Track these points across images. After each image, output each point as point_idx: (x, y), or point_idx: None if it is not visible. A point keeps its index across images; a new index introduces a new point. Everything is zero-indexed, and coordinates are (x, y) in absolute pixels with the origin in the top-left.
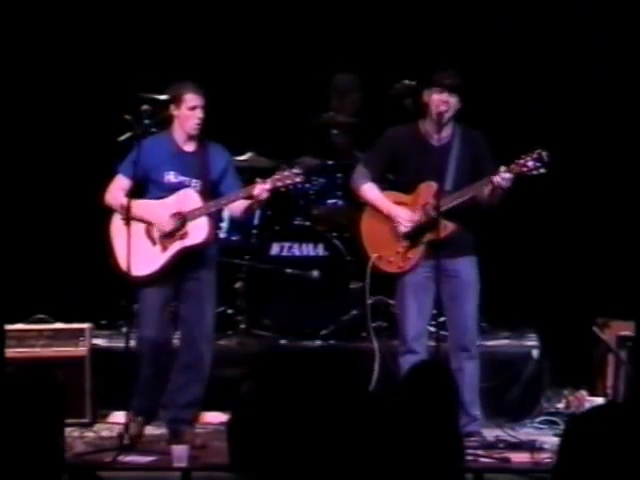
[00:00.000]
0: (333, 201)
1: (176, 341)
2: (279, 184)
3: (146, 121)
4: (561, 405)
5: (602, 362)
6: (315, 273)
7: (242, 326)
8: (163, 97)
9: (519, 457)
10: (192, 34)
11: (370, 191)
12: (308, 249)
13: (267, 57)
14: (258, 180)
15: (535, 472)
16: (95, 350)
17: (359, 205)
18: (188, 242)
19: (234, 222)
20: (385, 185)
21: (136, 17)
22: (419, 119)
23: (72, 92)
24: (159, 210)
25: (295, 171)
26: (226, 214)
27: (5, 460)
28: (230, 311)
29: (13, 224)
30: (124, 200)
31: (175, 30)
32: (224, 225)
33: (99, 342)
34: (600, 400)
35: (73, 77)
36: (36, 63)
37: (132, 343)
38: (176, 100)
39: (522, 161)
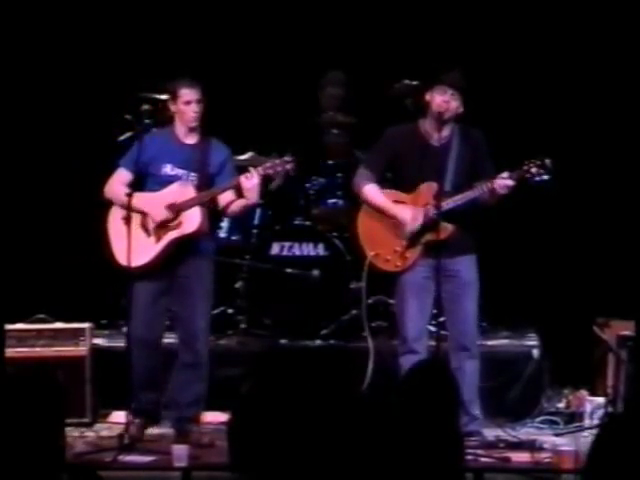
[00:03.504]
0: (333, 201)
1: (173, 340)
2: (270, 171)
3: (146, 121)
4: (561, 405)
5: (602, 362)
6: (315, 273)
7: (242, 326)
8: (163, 96)
9: (519, 457)
10: (192, 34)
11: (372, 193)
12: (308, 249)
13: (268, 57)
14: (250, 169)
15: (535, 472)
16: (95, 350)
17: (360, 205)
18: (181, 231)
19: (234, 222)
20: (384, 184)
21: (136, 17)
22: (419, 119)
23: (72, 92)
24: (155, 202)
25: (286, 159)
26: None
27: (5, 460)
28: (230, 311)
29: (13, 224)
30: (123, 194)
31: (175, 30)
32: (224, 225)
33: (99, 342)
34: (600, 400)
35: (73, 77)
36: (36, 63)
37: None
38: (172, 97)
39: (525, 167)
